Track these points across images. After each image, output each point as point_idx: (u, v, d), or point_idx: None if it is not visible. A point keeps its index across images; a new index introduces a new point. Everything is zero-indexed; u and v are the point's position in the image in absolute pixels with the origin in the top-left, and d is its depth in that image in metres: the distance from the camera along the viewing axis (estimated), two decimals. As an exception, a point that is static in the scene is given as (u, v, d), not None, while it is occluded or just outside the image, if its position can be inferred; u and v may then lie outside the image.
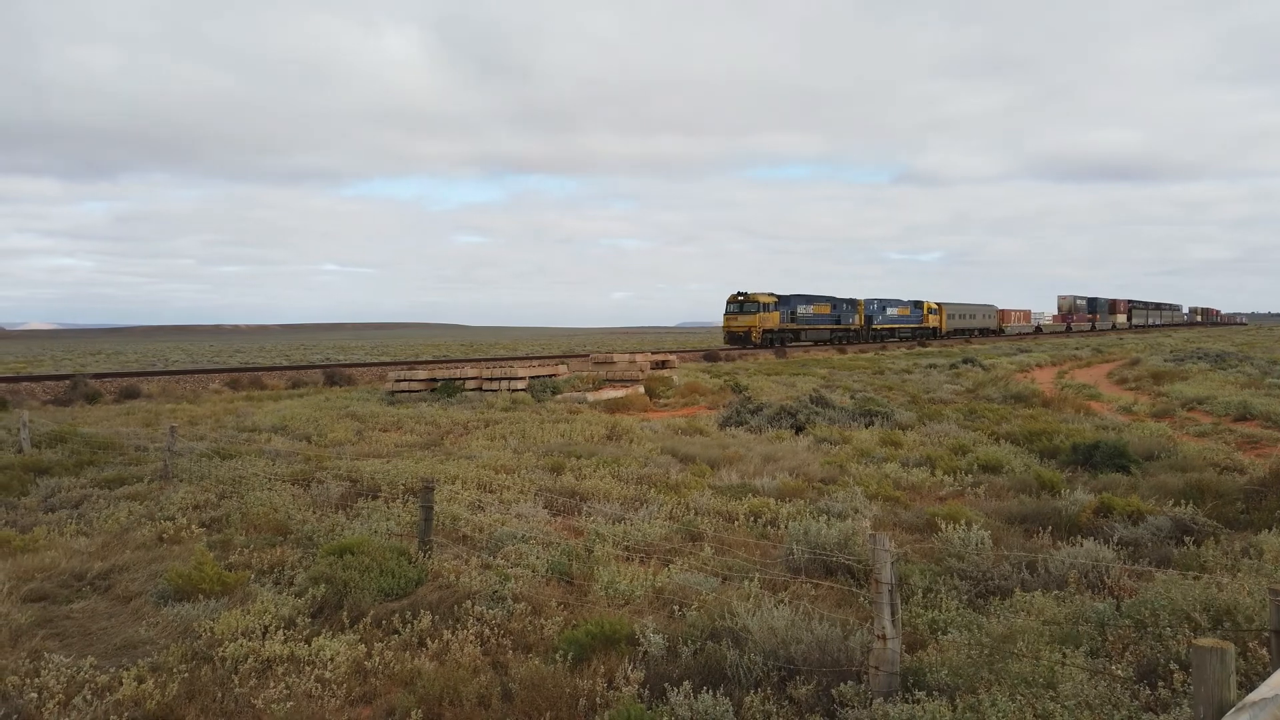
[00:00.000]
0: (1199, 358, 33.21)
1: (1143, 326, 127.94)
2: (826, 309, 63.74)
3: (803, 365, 36.43)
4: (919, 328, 75.89)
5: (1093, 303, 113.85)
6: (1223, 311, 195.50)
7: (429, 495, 7.71)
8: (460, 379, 23.96)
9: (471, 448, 13.95)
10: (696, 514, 9.05)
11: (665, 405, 21.90)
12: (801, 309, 60.45)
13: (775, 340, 56.42)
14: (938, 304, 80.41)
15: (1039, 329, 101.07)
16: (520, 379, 23.37)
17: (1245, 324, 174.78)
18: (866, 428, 15.85)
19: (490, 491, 10.29)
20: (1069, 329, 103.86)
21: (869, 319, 68.61)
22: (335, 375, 29.65)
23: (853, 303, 67.63)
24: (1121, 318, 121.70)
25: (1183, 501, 8.73)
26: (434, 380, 23.87)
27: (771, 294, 57.38)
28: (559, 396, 21.80)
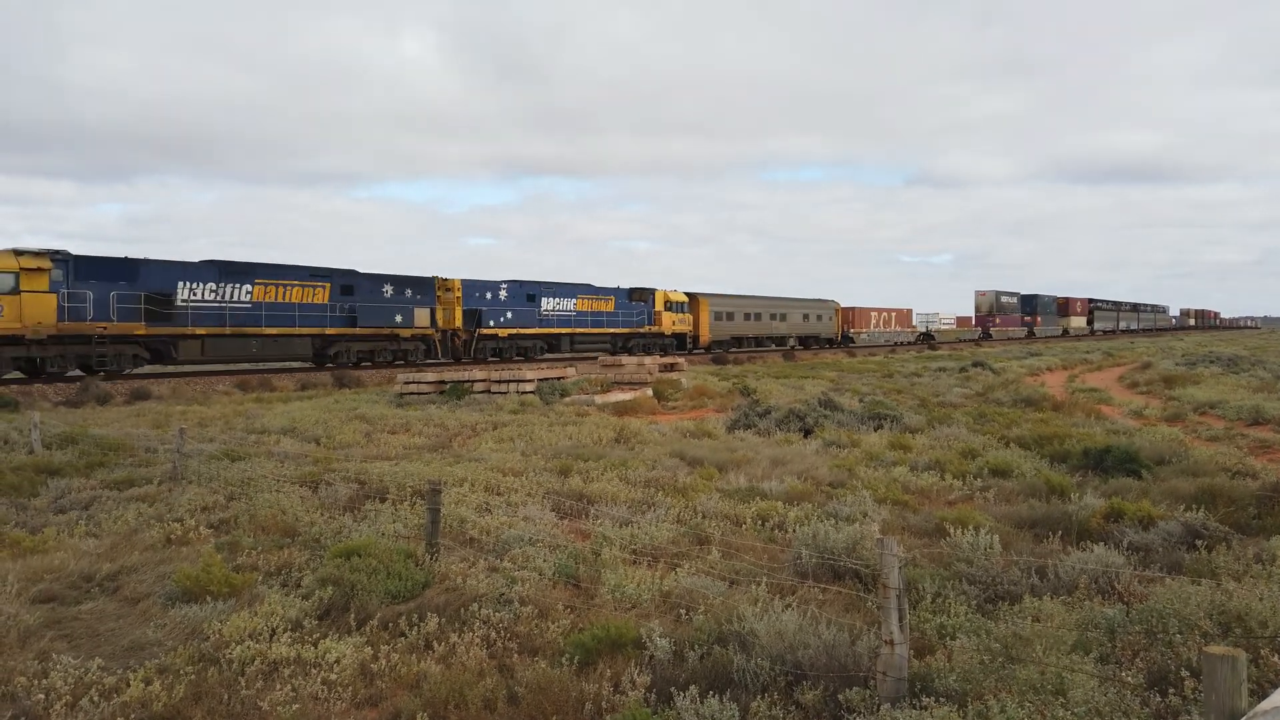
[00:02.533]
0: (1211, 362, 33.05)
1: (1111, 332, 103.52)
2: (313, 292, 31.89)
3: (811, 368, 36.53)
4: (635, 334, 46.41)
5: (1029, 301, 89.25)
6: (1225, 315, 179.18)
7: (436, 498, 7.71)
8: (468, 381, 24.00)
9: (479, 450, 13.95)
10: (704, 517, 9.02)
11: (673, 408, 21.88)
12: (199, 289, 28.79)
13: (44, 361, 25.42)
14: (688, 294, 50.83)
15: (927, 336, 76.91)
16: (528, 381, 23.38)
17: (1258, 328, 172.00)
18: (875, 431, 15.80)
19: (498, 494, 10.28)
20: (986, 335, 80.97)
21: (476, 317, 37.03)
22: (344, 377, 29.72)
23: (420, 285, 35.51)
24: (1078, 320, 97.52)
25: (1194, 507, 8.66)
26: (442, 382, 23.91)
27: (43, 253, 25.06)
28: (567, 399, 21.79)
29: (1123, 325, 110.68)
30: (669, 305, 49.22)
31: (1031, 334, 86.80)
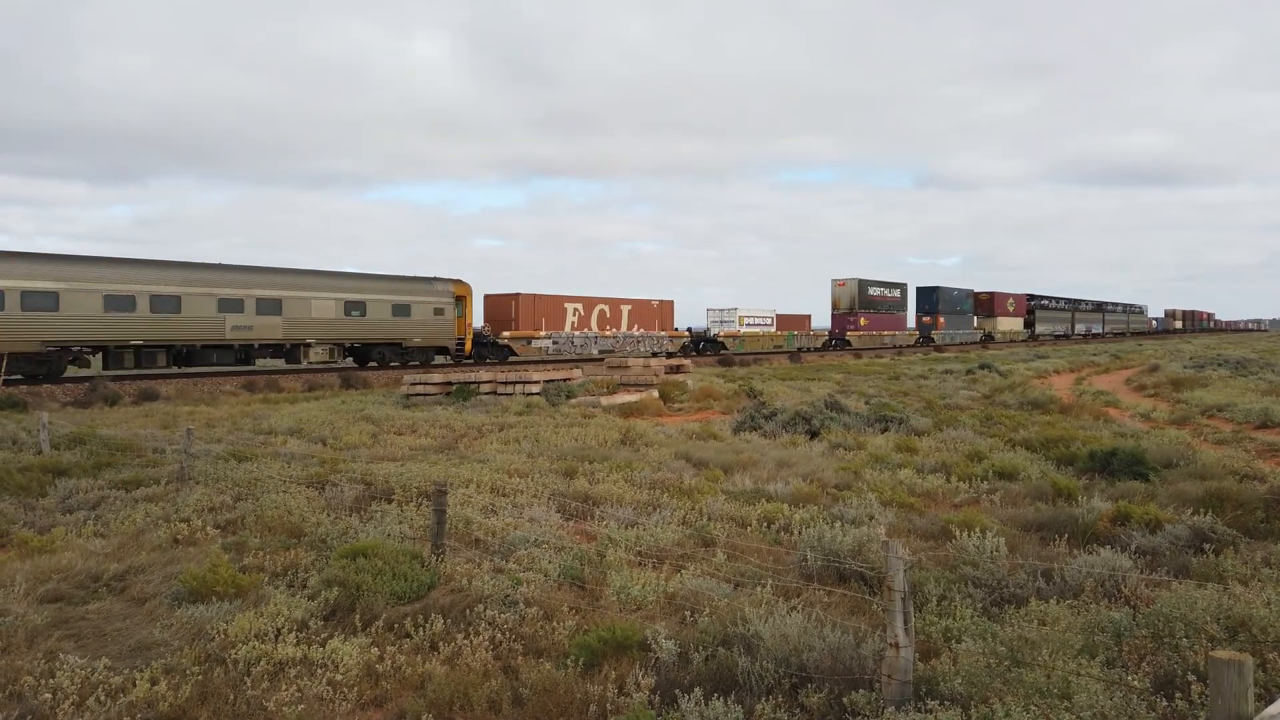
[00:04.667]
0: (1219, 364, 32.91)
1: (1063, 336, 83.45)
2: None
3: (817, 370, 36.53)
4: None
5: (928, 295, 66.50)
6: (1228, 317, 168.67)
7: (442, 499, 7.72)
8: (475, 382, 24.03)
9: (485, 451, 13.97)
10: (709, 519, 9.02)
11: (679, 410, 21.88)
12: None
13: None
14: None
15: (712, 344, 50.51)
16: (535, 383, 23.41)
17: (1266, 330, 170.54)
18: (882, 433, 15.77)
19: (503, 495, 10.29)
20: (840, 342, 58.98)
21: None
22: (351, 378, 29.78)
23: None
24: (1010, 322, 76.04)
25: (1202, 510, 8.63)
26: (449, 383, 23.96)
27: None
28: (573, 400, 21.82)
29: (1079, 328, 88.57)
30: None
31: (928, 340, 65.18)
